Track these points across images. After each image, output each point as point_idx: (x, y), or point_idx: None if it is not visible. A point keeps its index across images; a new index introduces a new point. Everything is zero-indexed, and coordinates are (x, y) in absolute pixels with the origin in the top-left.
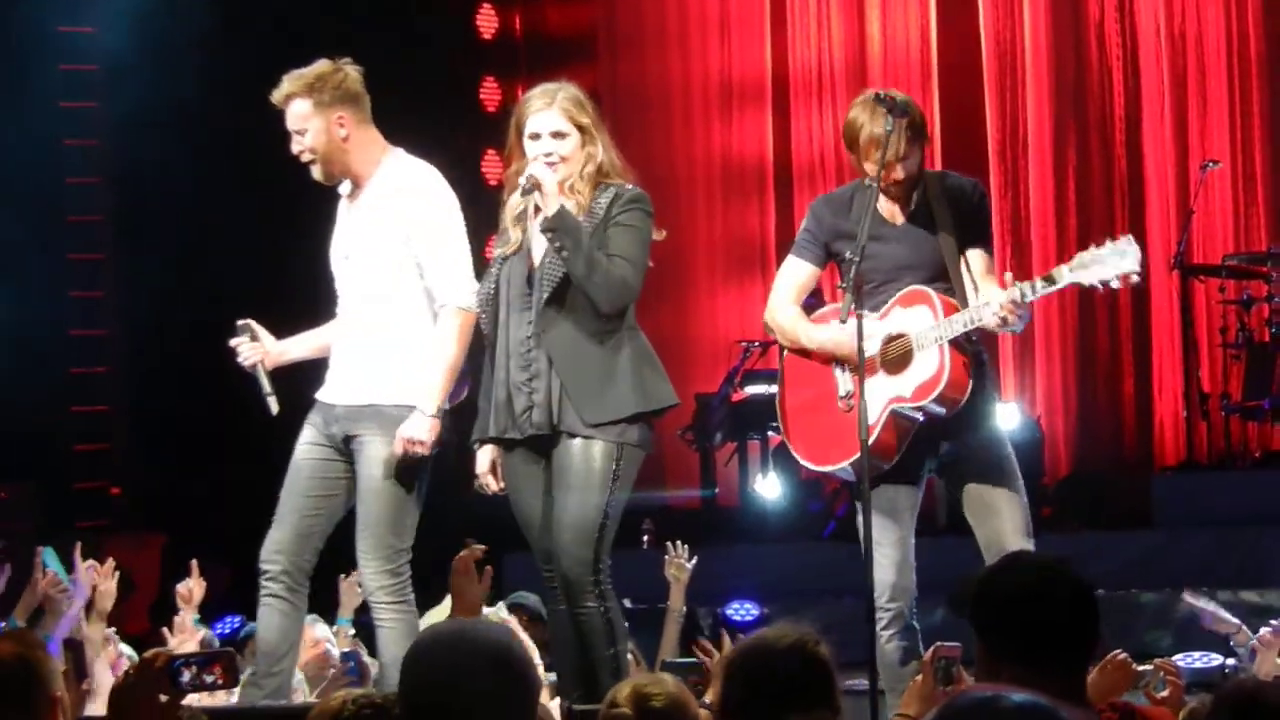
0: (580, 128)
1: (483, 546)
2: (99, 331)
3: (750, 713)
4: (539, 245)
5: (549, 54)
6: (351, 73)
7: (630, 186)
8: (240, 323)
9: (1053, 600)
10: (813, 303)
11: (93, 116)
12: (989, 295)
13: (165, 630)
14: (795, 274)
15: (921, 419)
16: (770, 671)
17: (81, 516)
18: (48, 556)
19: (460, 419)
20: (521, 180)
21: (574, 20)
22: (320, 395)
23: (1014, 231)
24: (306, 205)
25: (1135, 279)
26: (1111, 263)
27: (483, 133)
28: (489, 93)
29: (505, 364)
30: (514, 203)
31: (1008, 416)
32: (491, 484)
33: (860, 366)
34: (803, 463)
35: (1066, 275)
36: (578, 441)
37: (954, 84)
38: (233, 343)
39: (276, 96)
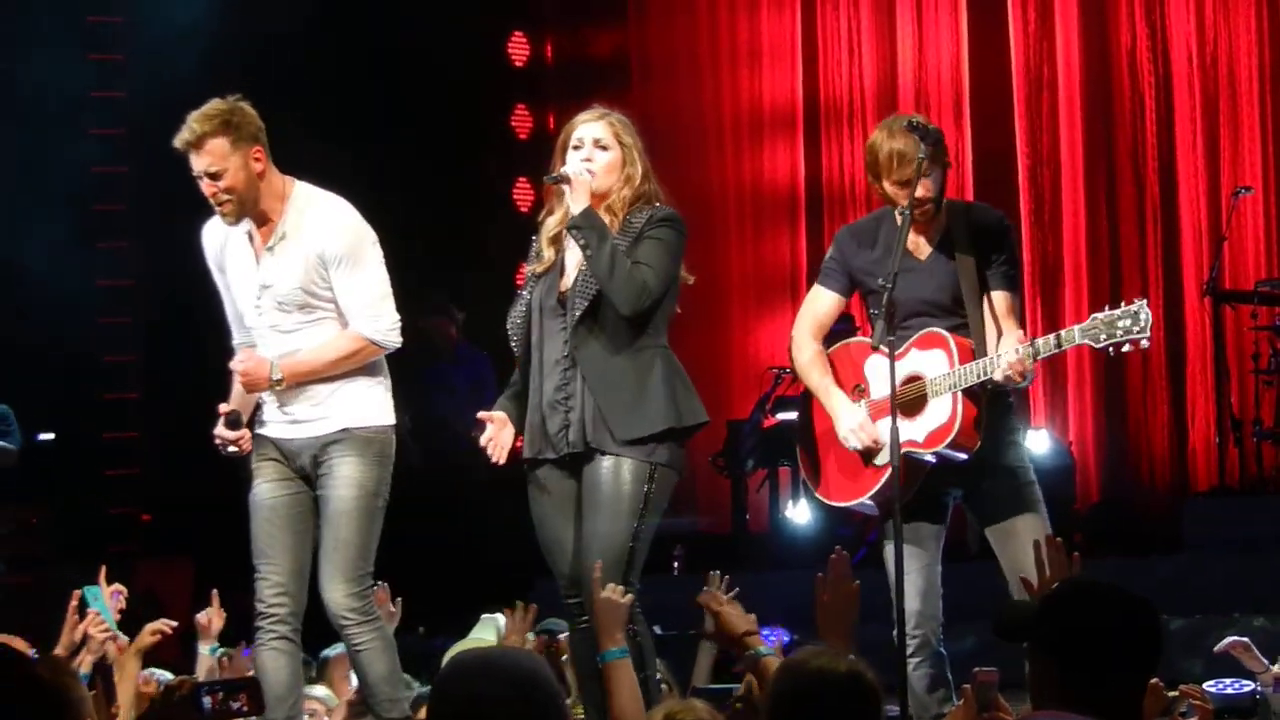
0: (623, 145)
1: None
2: (129, 357)
3: None
4: (572, 264)
5: (580, 81)
6: (251, 108)
7: (666, 207)
8: (225, 409)
9: (1127, 628)
10: (841, 328)
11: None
12: (1005, 345)
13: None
14: (820, 303)
15: (934, 462)
16: (824, 703)
17: (112, 541)
18: (89, 596)
19: (428, 443)
20: (550, 175)
21: (606, 47)
22: (268, 432)
23: (1044, 260)
24: None
25: (1145, 344)
26: (1122, 326)
27: (514, 160)
28: (520, 120)
29: (540, 384)
30: (550, 224)
31: (1039, 443)
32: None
33: (893, 396)
34: (819, 498)
35: (1077, 337)
36: (609, 460)
37: (985, 112)
38: (229, 438)
39: (186, 138)
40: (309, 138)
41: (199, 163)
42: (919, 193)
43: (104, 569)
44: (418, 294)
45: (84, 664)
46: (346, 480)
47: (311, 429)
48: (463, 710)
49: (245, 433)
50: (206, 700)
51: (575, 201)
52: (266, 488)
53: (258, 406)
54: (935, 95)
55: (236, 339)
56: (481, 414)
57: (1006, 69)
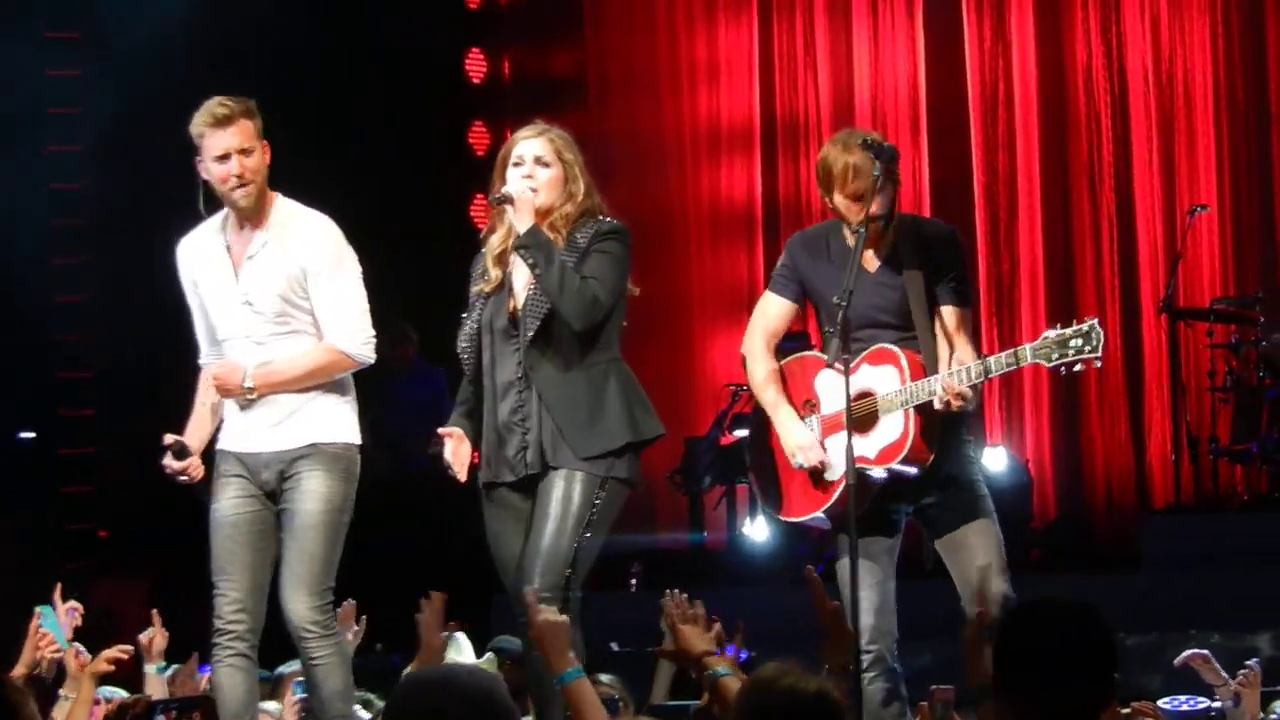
0: (564, 162)
1: (443, 595)
2: (86, 373)
3: None
4: (521, 283)
5: (538, 99)
6: None
7: (612, 220)
8: (170, 441)
9: (1080, 649)
10: (790, 346)
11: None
12: (959, 358)
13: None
14: (771, 311)
15: (886, 478)
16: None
17: (70, 558)
18: (46, 618)
19: (384, 460)
20: (494, 196)
21: (563, 65)
22: (233, 447)
23: (1000, 278)
24: None
25: (1097, 364)
26: (1074, 346)
27: (471, 177)
28: (478, 137)
29: (494, 406)
30: (494, 243)
31: (995, 460)
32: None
33: (848, 413)
34: (770, 514)
35: (1029, 356)
36: (561, 474)
37: (941, 129)
38: (175, 468)
39: (217, 114)
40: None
41: (227, 140)
42: (872, 209)
43: (59, 586)
44: (374, 310)
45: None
46: (313, 494)
47: (279, 442)
48: None
49: (192, 461)
50: (161, 719)
51: (520, 220)
52: (228, 504)
53: (220, 424)
54: (892, 113)
55: (205, 357)
56: (440, 430)
57: (962, 86)
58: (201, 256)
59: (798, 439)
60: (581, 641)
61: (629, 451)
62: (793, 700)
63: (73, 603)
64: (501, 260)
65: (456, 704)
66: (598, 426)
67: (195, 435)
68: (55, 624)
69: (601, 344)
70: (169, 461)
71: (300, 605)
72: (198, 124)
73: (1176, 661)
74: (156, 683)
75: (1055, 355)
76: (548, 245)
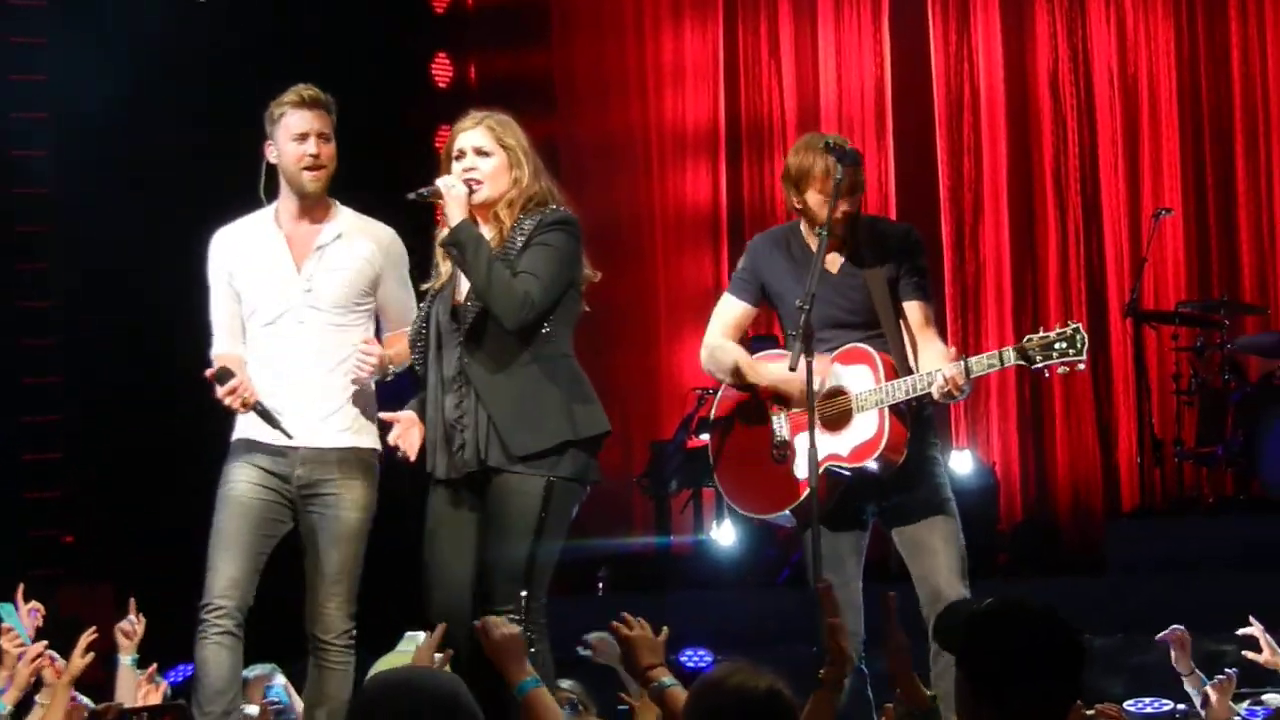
0: (506, 148)
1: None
2: (52, 379)
3: None
4: (464, 278)
5: (504, 103)
6: None
7: (558, 208)
8: (210, 373)
9: (1047, 651)
10: (761, 349)
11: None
12: (931, 358)
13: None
14: (730, 311)
15: (850, 476)
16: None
17: (34, 565)
18: (3, 613)
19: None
20: (423, 190)
21: (530, 69)
22: (266, 439)
23: (964, 281)
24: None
25: (1081, 366)
26: (1059, 349)
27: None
28: (444, 141)
29: (439, 402)
30: (443, 236)
31: (961, 463)
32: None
33: (811, 411)
34: (734, 508)
35: (1012, 357)
36: (505, 479)
37: (907, 133)
38: (223, 391)
39: (307, 96)
40: (224, 156)
41: (309, 121)
42: (843, 209)
43: (21, 587)
44: None
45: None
46: (355, 503)
47: (320, 439)
48: None
49: (239, 380)
50: None
51: (449, 215)
52: (244, 486)
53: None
54: (857, 117)
55: (218, 347)
56: (384, 415)
57: (928, 90)
58: (250, 245)
59: (782, 375)
60: (548, 651)
61: (571, 449)
62: (741, 699)
63: (35, 604)
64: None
65: (422, 707)
66: (533, 425)
67: (230, 361)
68: (17, 620)
69: (545, 339)
70: (219, 392)
71: (339, 614)
72: (281, 103)
73: (1158, 637)
74: (129, 676)
75: (1040, 357)
76: (476, 241)
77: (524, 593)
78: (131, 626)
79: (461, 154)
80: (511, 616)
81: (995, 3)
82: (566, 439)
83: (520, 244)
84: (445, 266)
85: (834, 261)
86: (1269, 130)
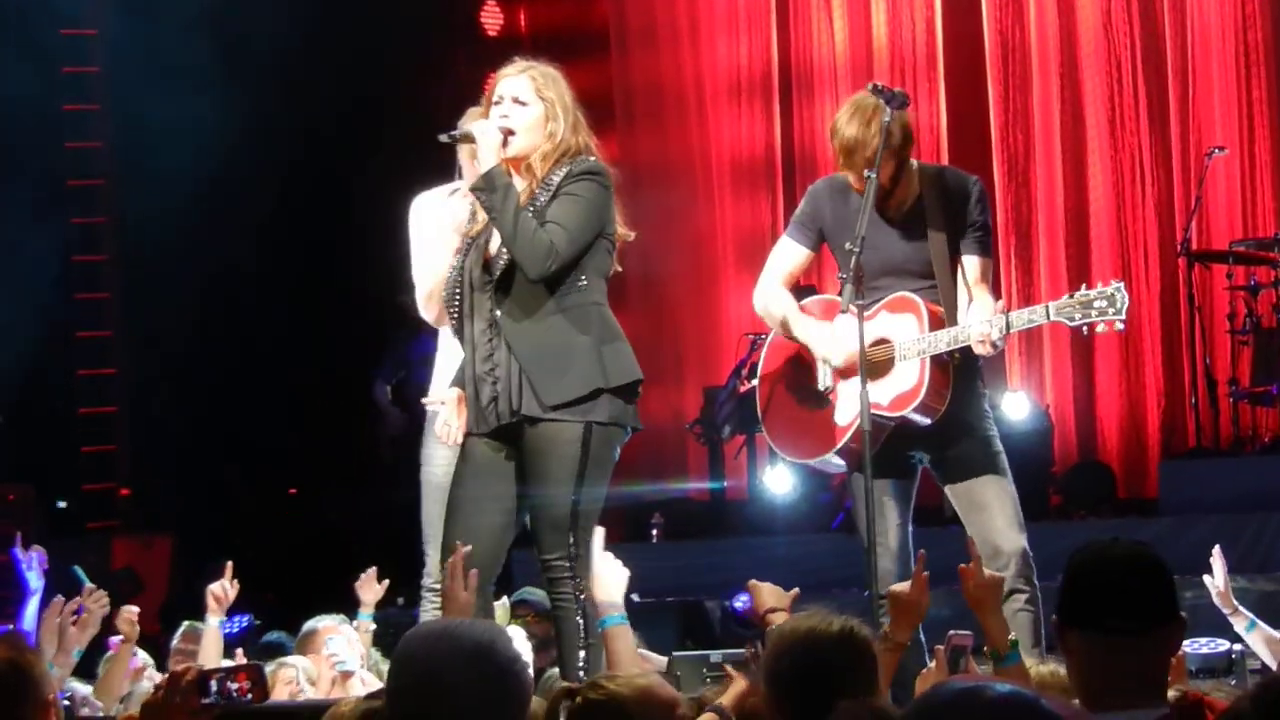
0: (544, 100)
1: (469, 548)
2: (105, 333)
3: (800, 700)
4: (496, 231)
5: (555, 51)
6: None
7: (589, 159)
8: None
9: (1156, 576)
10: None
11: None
12: (978, 311)
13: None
14: (787, 256)
15: (892, 423)
16: (822, 660)
17: (90, 518)
18: (79, 575)
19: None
20: (455, 131)
21: (581, 17)
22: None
23: (1018, 221)
24: (319, 200)
25: (1120, 326)
26: (1098, 308)
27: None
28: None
29: (471, 355)
30: (474, 181)
31: (1016, 405)
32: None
33: (861, 355)
34: (780, 455)
35: (1052, 314)
36: (542, 428)
37: (959, 78)
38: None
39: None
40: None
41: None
42: (884, 175)
43: (19, 535)
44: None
45: (79, 642)
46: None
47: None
48: (422, 679)
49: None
50: (213, 685)
51: (481, 160)
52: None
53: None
54: (909, 61)
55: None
56: (424, 400)
57: (979, 34)
58: (441, 214)
59: (815, 336)
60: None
61: (605, 395)
62: (812, 644)
63: (36, 547)
64: None
65: (455, 657)
66: (565, 374)
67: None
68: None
69: (575, 288)
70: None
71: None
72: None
73: (1214, 558)
74: (215, 637)
75: (1078, 315)
76: (505, 188)
77: (571, 540)
78: (224, 591)
79: (500, 100)
80: (560, 562)
81: None
82: (598, 385)
83: (550, 192)
84: (482, 214)
85: (896, 210)
86: None
